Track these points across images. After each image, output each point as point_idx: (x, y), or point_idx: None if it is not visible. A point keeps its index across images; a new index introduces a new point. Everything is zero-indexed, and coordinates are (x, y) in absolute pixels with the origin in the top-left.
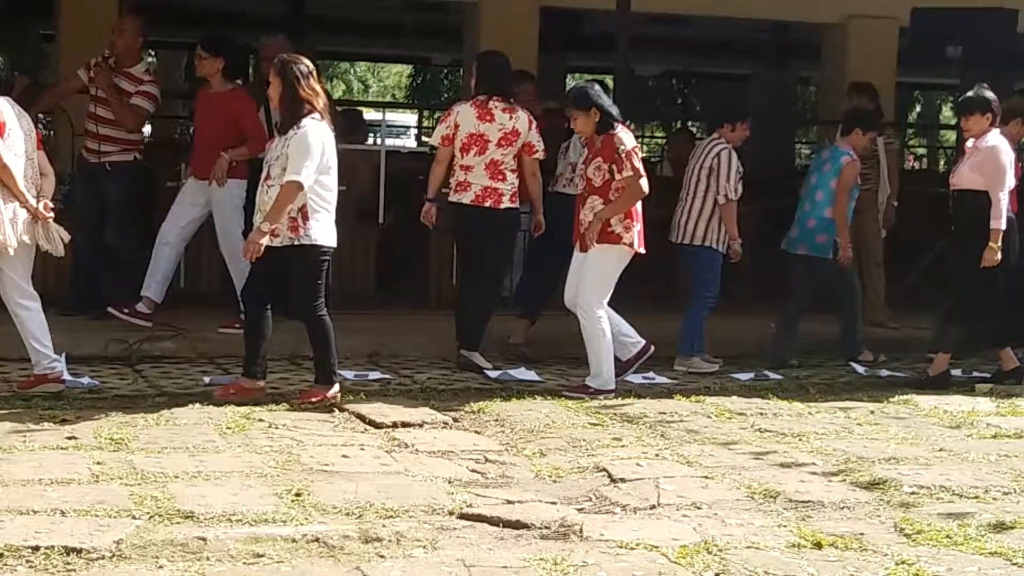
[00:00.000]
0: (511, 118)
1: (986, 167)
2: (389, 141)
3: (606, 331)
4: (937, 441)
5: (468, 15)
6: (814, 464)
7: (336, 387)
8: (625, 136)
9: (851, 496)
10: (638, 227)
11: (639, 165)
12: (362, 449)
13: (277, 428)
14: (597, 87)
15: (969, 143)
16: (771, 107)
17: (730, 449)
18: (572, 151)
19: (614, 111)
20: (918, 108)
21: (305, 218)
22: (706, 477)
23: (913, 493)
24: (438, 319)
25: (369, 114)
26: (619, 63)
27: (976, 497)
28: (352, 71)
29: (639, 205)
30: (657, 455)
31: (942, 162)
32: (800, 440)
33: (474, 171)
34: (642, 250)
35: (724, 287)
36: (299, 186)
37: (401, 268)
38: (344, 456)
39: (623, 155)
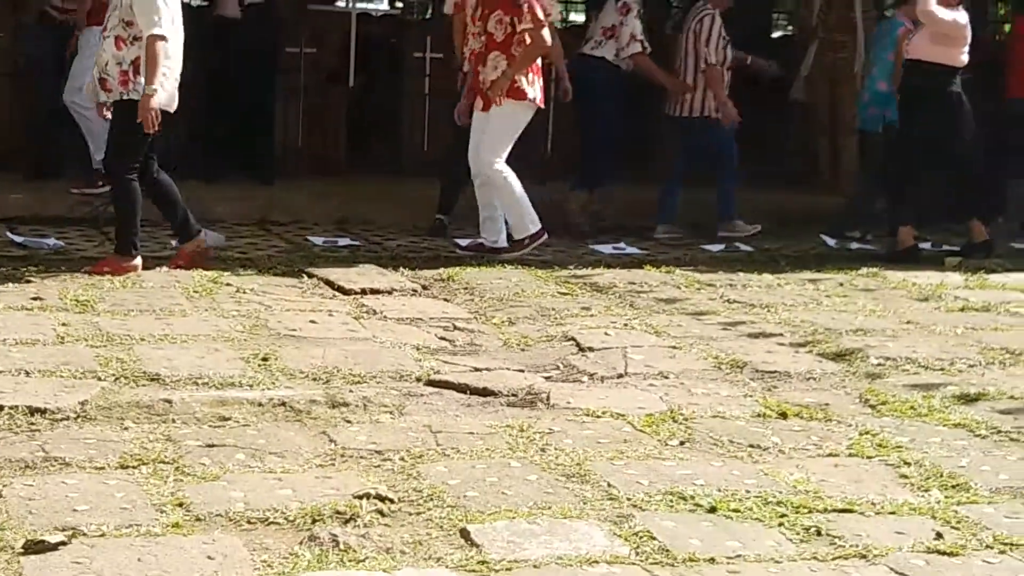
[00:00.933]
0: None
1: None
2: (360, 4)
3: (511, 180)
4: (905, 313)
5: None
6: (782, 335)
7: (137, 259)
8: None
9: (817, 367)
10: (540, 82)
11: (541, 15)
12: (330, 315)
13: (245, 293)
14: None
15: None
16: None
17: (699, 319)
18: (605, 15)
19: None
20: None
21: (136, 72)
22: (674, 347)
23: (879, 364)
24: (408, 186)
25: None
26: None
27: (942, 369)
28: None
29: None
30: (626, 325)
31: None
32: (768, 311)
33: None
34: (542, 105)
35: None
36: (162, 38)
37: (371, 132)
38: (312, 322)
39: (523, 5)
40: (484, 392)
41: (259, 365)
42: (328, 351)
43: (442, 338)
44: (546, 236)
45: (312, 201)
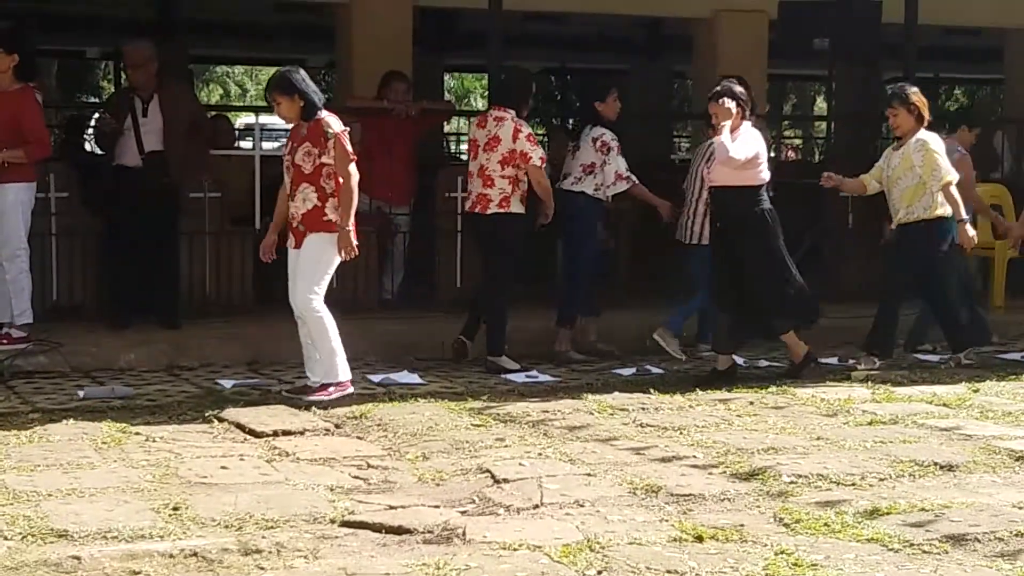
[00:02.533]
0: (497, 125)
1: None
2: (266, 145)
3: (328, 323)
4: (815, 429)
5: (340, 16)
6: (695, 457)
7: None
8: (332, 120)
9: (731, 487)
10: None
11: (349, 148)
12: (242, 459)
13: (154, 441)
14: (302, 73)
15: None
16: (648, 102)
17: (612, 445)
18: (583, 153)
19: (317, 98)
20: (792, 99)
21: None
22: (588, 474)
23: (791, 482)
24: None
25: (247, 118)
26: (492, 61)
27: (852, 484)
28: (229, 75)
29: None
30: (540, 454)
31: (817, 153)
32: (681, 433)
33: (473, 178)
34: (355, 239)
35: (604, 282)
36: None
37: (279, 273)
38: (223, 467)
39: (331, 139)
40: (399, 530)
41: (170, 515)
42: (240, 497)
43: (356, 477)
44: (352, 391)
45: (221, 344)
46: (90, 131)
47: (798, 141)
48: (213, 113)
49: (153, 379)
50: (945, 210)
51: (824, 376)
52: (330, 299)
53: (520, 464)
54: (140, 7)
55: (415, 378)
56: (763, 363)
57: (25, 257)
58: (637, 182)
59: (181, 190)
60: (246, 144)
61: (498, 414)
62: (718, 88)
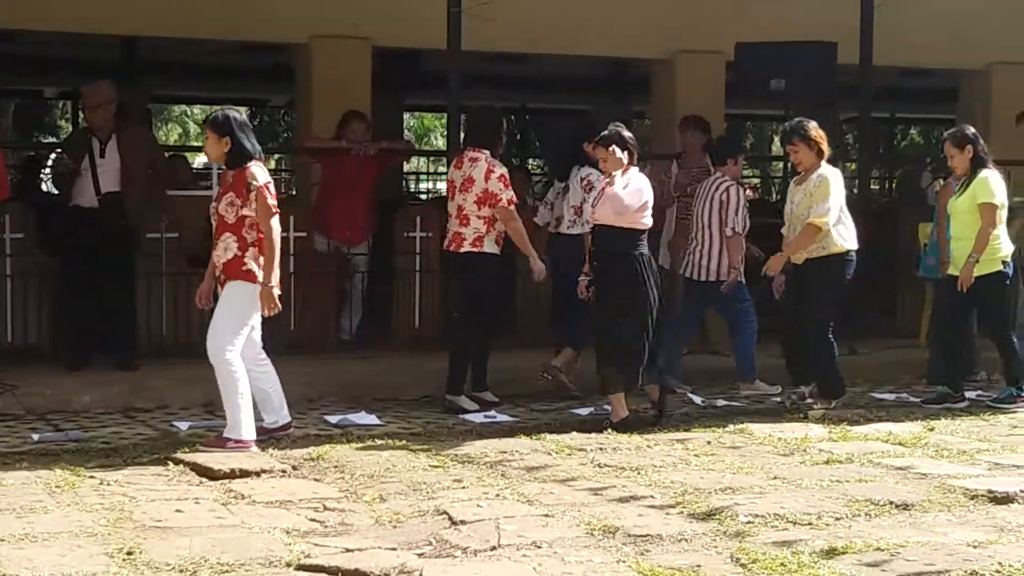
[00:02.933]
0: (472, 165)
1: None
2: None
3: (239, 377)
4: (772, 469)
5: (299, 56)
6: (652, 497)
7: None
8: (258, 171)
9: (688, 528)
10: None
11: (273, 202)
12: (197, 503)
13: (109, 485)
14: (243, 117)
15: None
16: None
17: (569, 486)
18: (572, 194)
19: (249, 145)
20: (750, 139)
21: None
22: (546, 515)
23: (749, 522)
24: (278, 364)
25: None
26: (451, 101)
27: (809, 524)
28: (187, 114)
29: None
30: (498, 495)
31: (774, 192)
32: (638, 473)
33: (451, 217)
34: (277, 290)
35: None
36: None
37: None
38: (178, 511)
39: (254, 191)
40: (356, 574)
41: (123, 560)
42: (195, 540)
43: (312, 520)
44: (255, 449)
45: (177, 386)
46: (47, 171)
47: (756, 180)
48: (171, 153)
49: (109, 421)
50: (848, 244)
51: (782, 414)
52: (288, 340)
53: (478, 505)
54: (101, 48)
55: (373, 419)
56: (721, 402)
57: None
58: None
59: (138, 231)
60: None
61: (456, 455)
62: (606, 133)
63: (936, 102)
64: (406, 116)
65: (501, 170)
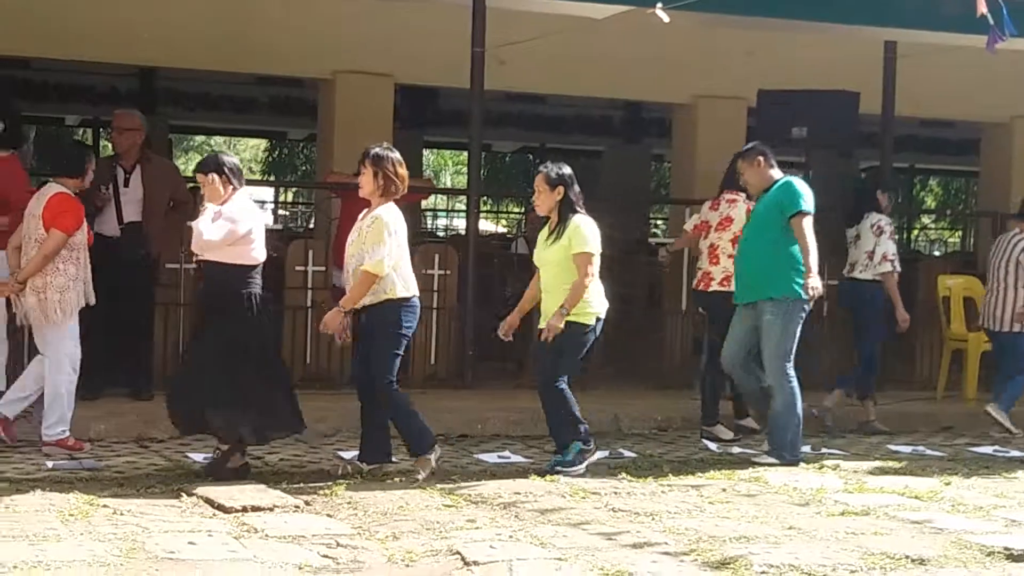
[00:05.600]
0: (730, 207)
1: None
2: None
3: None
4: (787, 519)
5: (323, 91)
6: (666, 543)
7: None
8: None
9: None
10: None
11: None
12: (210, 535)
13: (122, 515)
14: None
15: None
16: (626, 183)
17: (583, 529)
18: (864, 240)
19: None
20: None
21: None
22: (559, 559)
23: (763, 572)
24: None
25: None
26: (473, 140)
27: None
28: (209, 144)
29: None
30: (511, 536)
31: None
32: (652, 519)
33: (703, 256)
34: None
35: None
36: None
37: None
38: (191, 543)
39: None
40: None
41: None
42: (207, 573)
43: (325, 556)
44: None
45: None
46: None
47: None
48: (192, 184)
49: (123, 450)
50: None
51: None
52: (303, 375)
53: (491, 546)
54: (123, 77)
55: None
56: (736, 449)
57: (2, 325)
58: (899, 270)
59: (158, 261)
60: None
61: (469, 495)
62: (205, 159)
63: (956, 154)
64: (425, 152)
65: None
